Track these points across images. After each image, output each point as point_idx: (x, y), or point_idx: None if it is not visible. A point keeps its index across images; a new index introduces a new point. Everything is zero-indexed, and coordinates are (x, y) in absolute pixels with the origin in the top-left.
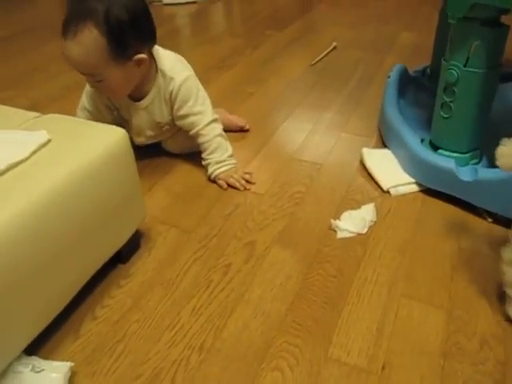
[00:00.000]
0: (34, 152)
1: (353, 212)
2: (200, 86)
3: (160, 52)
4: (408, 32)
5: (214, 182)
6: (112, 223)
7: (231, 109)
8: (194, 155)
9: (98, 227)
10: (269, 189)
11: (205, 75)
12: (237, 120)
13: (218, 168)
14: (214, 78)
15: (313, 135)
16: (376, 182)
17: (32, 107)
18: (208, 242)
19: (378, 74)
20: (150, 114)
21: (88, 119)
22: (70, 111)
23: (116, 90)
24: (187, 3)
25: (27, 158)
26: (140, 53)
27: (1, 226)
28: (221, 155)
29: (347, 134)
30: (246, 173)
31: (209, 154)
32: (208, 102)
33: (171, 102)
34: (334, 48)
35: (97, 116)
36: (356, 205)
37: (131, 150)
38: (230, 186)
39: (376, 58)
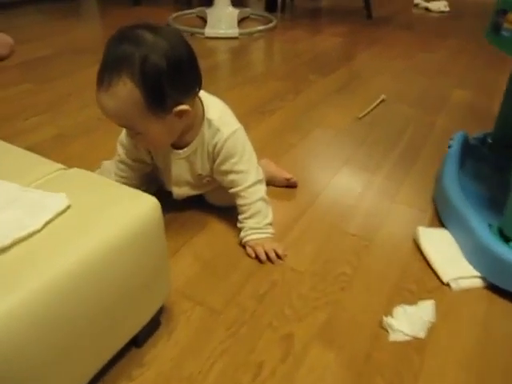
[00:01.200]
0: (49, 222)
1: (408, 308)
2: (247, 141)
3: (206, 98)
4: (461, 90)
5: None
6: (134, 304)
7: (272, 159)
8: (232, 211)
9: (118, 310)
10: (310, 266)
11: (244, 119)
12: (284, 173)
13: (251, 234)
14: (253, 124)
15: (361, 201)
16: (433, 271)
17: (57, 137)
18: (238, 328)
19: (431, 135)
20: (190, 164)
21: (126, 156)
22: (98, 146)
23: (156, 143)
24: (228, 38)
25: (39, 230)
26: (181, 103)
27: (2, 317)
28: (258, 222)
29: (398, 204)
30: (279, 247)
31: (245, 218)
32: (254, 160)
33: (214, 154)
34: (383, 101)
35: (134, 154)
36: (411, 297)
37: (162, 221)
38: (257, 256)
39: (427, 117)
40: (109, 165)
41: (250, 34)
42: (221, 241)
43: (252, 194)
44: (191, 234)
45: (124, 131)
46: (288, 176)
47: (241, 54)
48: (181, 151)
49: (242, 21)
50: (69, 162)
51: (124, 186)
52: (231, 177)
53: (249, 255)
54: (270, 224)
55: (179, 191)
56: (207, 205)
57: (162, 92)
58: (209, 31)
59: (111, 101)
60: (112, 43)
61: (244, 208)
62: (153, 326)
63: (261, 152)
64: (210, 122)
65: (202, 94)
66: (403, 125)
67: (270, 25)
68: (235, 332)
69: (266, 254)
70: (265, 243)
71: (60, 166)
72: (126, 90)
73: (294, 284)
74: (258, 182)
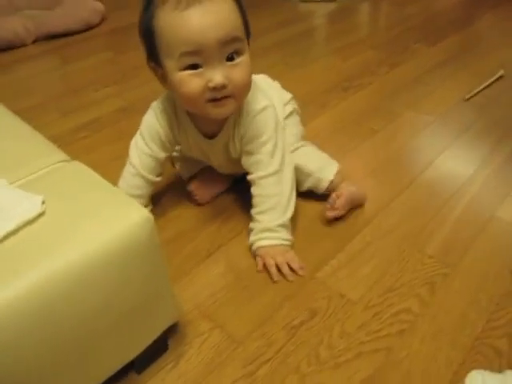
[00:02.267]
0: (10, 233)
1: (489, 377)
2: (279, 121)
3: None
4: None
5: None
6: (124, 328)
7: (345, 148)
8: None
9: (101, 336)
10: (365, 294)
11: (322, 97)
12: (360, 193)
13: (261, 239)
14: (332, 103)
15: (451, 210)
16: None
17: (121, 110)
18: (257, 367)
19: None
20: (227, 152)
21: (142, 151)
22: None
23: (248, 80)
24: (326, 1)
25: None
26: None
27: None
28: (271, 220)
29: (502, 219)
30: (294, 259)
31: (257, 214)
32: (285, 145)
33: (242, 133)
34: (501, 77)
35: (155, 157)
36: (496, 359)
37: (156, 238)
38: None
39: None
40: None
41: None
42: None
43: (272, 185)
44: (230, 235)
45: (139, 134)
46: (362, 198)
47: (336, 19)
48: (215, 140)
49: None
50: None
51: (117, 192)
52: (255, 158)
53: (258, 267)
54: (286, 226)
55: (225, 171)
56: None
57: (247, 24)
58: None
59: (220, 8)
60: None
61: (258, 200)
62: (158, 350)
63: (334, 137)
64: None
65: None
66: None
67: None
68: (253, 372)
69: (278, 268)
70: (278, 254)
71: (62, 157)
72: (229, 9)
73: (339, 316)
74: (282, 172)
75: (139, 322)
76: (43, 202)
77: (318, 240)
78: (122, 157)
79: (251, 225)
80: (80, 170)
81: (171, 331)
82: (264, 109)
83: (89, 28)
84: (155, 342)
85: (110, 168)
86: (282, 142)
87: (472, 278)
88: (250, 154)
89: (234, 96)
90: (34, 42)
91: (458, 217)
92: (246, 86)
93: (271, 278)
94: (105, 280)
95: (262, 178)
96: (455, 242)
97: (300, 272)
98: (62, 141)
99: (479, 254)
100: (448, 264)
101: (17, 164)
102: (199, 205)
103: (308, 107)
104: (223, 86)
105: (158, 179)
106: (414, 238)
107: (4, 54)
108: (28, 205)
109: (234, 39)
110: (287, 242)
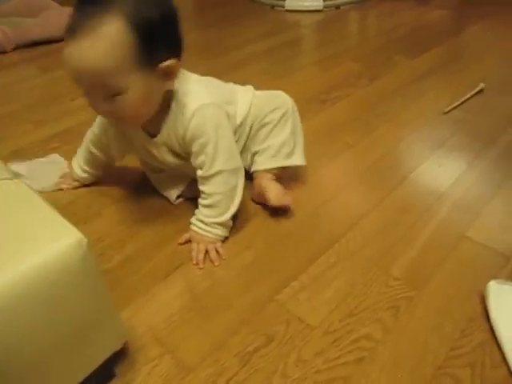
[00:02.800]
0: None
1: None
2: (224, 120)
3: (185, 73)
4: None
5: None
6: (57, 360)
7: (317, 163)
8: (243, 233)
9: (33, 366)
10: (326, 319)
11: (300, 108)
12: (279, 197)
13: (196, 227)
14: (309, 115)
15: (420, 229)
16: (503, 353)
17: None
18: None
19: None
20: (170, 148)
21: (94, 143)
22: None
23: (135, 110)
24: (312, 11)
25: None
26: (169, 59)
27: None
28: (208, 216)
29: (473, 241)
30: (221, 246)
31: (199, 204)
32: (230, 144)
33: (183, 134)
34: (481, 91)
35: (102, 141)
36: None
37: (91, 262)
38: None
39: None
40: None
41: (338, 6)
42: (223, 268)
43: (215, 185)
44: (190, 254)
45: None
46: (280, 203)
47: (321, 29)
48: (156, 138)
49: None
50: None
51: (52, 214)
52: (200, 159)
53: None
54: (223, 224)
55: (172, 169)
56: None
57: (155, 40)
58: (290, 3)
59: (94, 45)
60: None
61: (203, 195)
62: (104, 377)
63: (306, 151)
64: (176, 96)
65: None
66: (502, 124)
67: None
68: None
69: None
70: (208, 242)
71: (4, 174)
72: (115, 32)
73: (297, 342)
74: (228, 172)
75: (78, 349)
76: None
77: (279, 260)
78: None
79: (196, 210)
80: (18, 189)
81: (120, 357)
82: (204, 106)
83: None
84: (101, 368)
85: None
86: (228, 142)
87: (437, 301)
88: (195, 154)
89: (125, 119)
90: (14, 49)
91: (427, 236)
92: (132, 115)
93: (194, 262)
94: (31, 306)
95: (204, 177)
96: (423, 263)
97: (221, 256)
98: (30, 152)
99: (447, 276)
100: (414, 287)
101: None
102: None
103: None
104: (109, 116)
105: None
106: (380, 258)
107: None
108: None
109: (105, 86)
110: (219, 238)
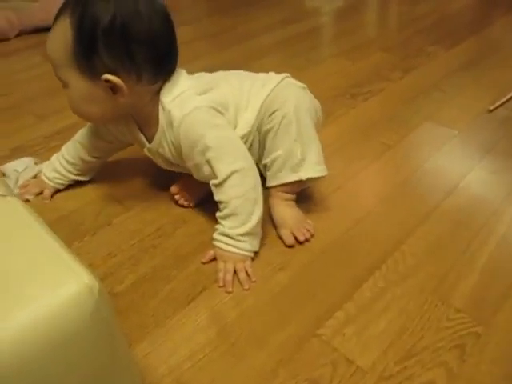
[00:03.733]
0: None
1: None
2: (217, 119)
3: (180, 77)
4: None
5: None
6: None
7: (353, 167)
8: (273, 252)
9: None
10: (379, 360)
11: (328, 104)
12: (290, 236)
13: (221, 243)
14: (339, 112)
15: (479, 250)
16: None
17: None
18: None
19: None
20: (164, 157)
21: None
22: None
23: (76, 105)
24: None
25: None
26: (115, 75)
27: None
28: (231, 228)
29: None
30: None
31: (220, 218)
32: (232, 142)
33: (177, 145)
34: None
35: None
36: None
37: (103, 311)
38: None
39: None
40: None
41: None
42: (253, 294)
43: (230, 189)
44: (215, 276)
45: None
46: (300, 239)
47: (344, 17)
48: (150, 145)
49: None
50: None
51: (55, 248)
52: (206, 169)
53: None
54: (249, 234)
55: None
56: None
57: (93, 46)
58: None
59: (50, 35)
60: None
61: (220, 206)
62: None
63: (340, 153)
64: (163, 104)
65: (179, 72)
66: None
67: None
68: None
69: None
70: (237, 261)
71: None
72: (62, 27)
73: None
74: (239, 172)
75: None
76: None
77: (318, 284)
78: None
79: (216, 225)
80: (13, 211)
81: None
82: (191, 111)
83: None
84: None
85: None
86: (229, 140)
87: (510, 339)
88: (199, 166)
89: (75, 113)
90: (18, 35)
91: (487, 257)
92: (78, 112)
93: (220, 284)
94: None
95: (216, 185)
96: (486, 290)
97: (251, 279)
98: (32, 149)
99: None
100: (480, 321)
101: None
102: (184, 207)
103: None
104: None
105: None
106: (437, 285)
107: None
108: None
109: (55, 71)
110: (249, 254)
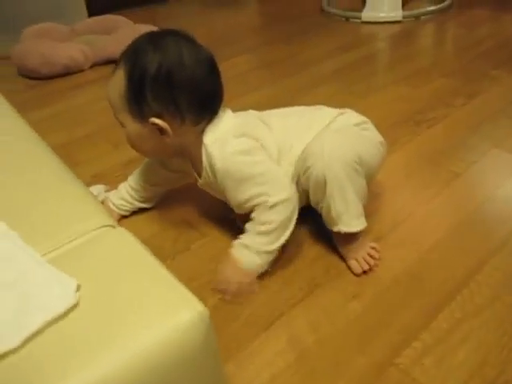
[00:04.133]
0: (37, 333)
1: None
2: (257, 156)
3: (223, 118)
4: None
5: None
6: None
7: (422, 196)
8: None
9: None
10: None
11: (391, 132)
12: (357, 266)
13: (240, 251)
14: (403, 139)
15: None
16: None
17: None
18: None
19: None
20: (218, 191)
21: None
22: None
23: (131, 142)
24: (389, 22)
25: (16, 350)
26: (161, 117)
27: None
28: (254, 242)
29: None
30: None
31: (245, 232)
32: (271, 174)
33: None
34: None
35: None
36: None
37: (212, 340)
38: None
39: None
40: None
41: (417, 16)
42: (329, 321)
43: (270, 215)
44: (292, 301)
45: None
46: (364, 268)
47: (401, 42)
48: (200, 179)
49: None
50: None
51: (164, 276)
52: (250, 204)
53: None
54: (272, 253)
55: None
56: (326, 257)
57: (141, 93)
58: (367, 15)
59: (109, 83)
60: (138, 39)
61: (252, 221)
62: None
63: (407, 182)
64: (205, 146)
65: (225, 111)
66: None
67: (444, 4)
68: None
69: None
70: (243, 275)
71: (106, 220)
72: (118, 75)
73: None
74: (283, 202)
75: None
76: (77, 289)
77: (392, 313)
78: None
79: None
80: (124, 241)
81: None
82: (228, 156)
83: None
84: None
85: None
86: (270, 173)
87: None
88: (242, 205)
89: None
90: (92, 67)
91: None
92: (134, 148)
93: (217, 289)
94: None
95: (261, 212)
96: None
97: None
98: (111, 176)
99: None
100: None
101: (53, 227)
102: None
103: None
104: None
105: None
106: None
107: (62, 79)
108: (60, 292)
109: (115, 113)
110: (255, 269)
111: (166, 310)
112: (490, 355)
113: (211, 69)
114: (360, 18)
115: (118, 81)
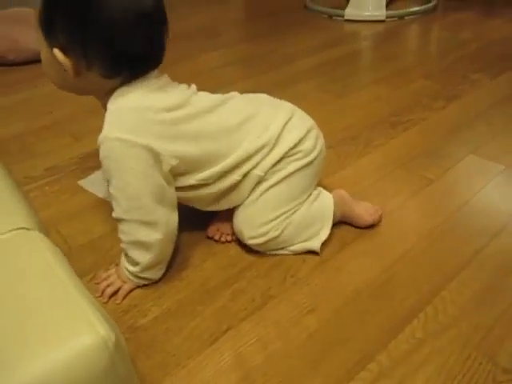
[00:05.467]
0: None
1: None
2: (130, 159)
3: (139, 87)
4: None
5: None
6: None
7: (392, 202)
8: (302, 287)
9: None
10: None
11: (365, 133)
12: (362, 213)
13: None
14: (378, 141)
15: None
16: None
17: None
18: None
19: None
20: None
21: None
22: None
23: (43, 66)
24: (373, 21)
25: None
26: (65, 51)
27: None
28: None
29: None
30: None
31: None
32: (138, 191)
33: None
34: None
35: None
36: None
37: (121, 368)
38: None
39: None
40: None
41: (401, 16)
42: (281, 338)
43: (119, 231)
44: (242, 315)
45: None
46: (368, 221)
47: (384, 42)
48: None
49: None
50: None
51: (72, 292)
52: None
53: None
54: (132, 274)
55: None
56: (284, 263)
57: (52, 19)
58: (350, 13)
59: None
60: None
61: None
62: None
63: (378, 186)
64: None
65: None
66: None
67: (429, 5)
68: None
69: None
70: (122, 277)
71: (22, 222)
72: None
73: None
74: (130, 222)
75: None
76: None
77: (349, 330)
78: None
79: None
80: (35, 248)
81: None
82: (106, 139)
83: None
84: None
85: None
86: (134, 189)
87: None
88: None
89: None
90: None
91: None
92: (43, 71)
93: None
94: None
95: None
96: None
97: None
98: (68, 169)
99: None
100: None
101: None
102: (228, 242)
103: (348, 145)
104: None
105: None
106: (481, 338)
107: (30, 67)
108: None
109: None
110: (130, 278)
111: (61, 334)
112: (453, 381)
113: (147, 23)
114: (343, 16)
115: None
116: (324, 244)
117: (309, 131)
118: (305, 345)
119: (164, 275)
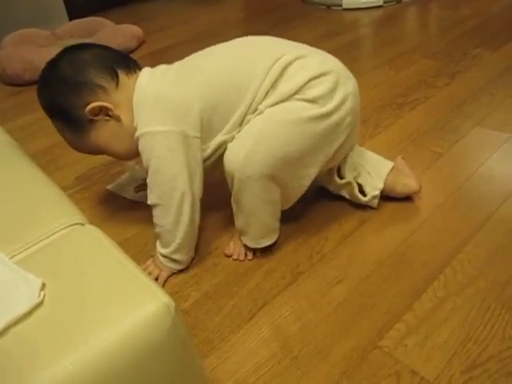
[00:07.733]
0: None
1: None
2: (170, 152)
3: (143, 81)
4: None
5: None
6: None
7: None
8: (329, 264)
9: None
10: (444, 370)
11: (374, 115)
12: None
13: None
14: (386, 122)
15: None
16: None
17: None
18: None
19: None
20: None
21: None
22: None
23: (109, 153)
24: (371, 8)
25: None
26: (88, 103)
27: None
28: (158, 245)
29: None
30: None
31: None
32: (165, 180)
33: None
34: None
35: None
36: None
37: (180, 331)
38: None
39: None
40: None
41: (398, 0)
42: (312, 308)
43: (154, 216)
44: (274, 291)
45: None
46: (414, 189)
47: (384, 26)
48: None
49: None
50: None
51: (131, 270)
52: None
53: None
54: (167, 258)
55: None
56: (308, 244)
57: (62, 108)
58: (348, 1)
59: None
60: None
61: None
62: None
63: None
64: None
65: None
66: None
67: None
68: None
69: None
70: (158, 269)
71: (75, 218)
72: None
73: None
74: (156, 206)
75: None
76: (42, 288)
77: (376, 296)
78: None
79: None
80: (92, 238)
81: None
82: (144, 135)
83: (127, 53)
84: None
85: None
86: (169, 175)
87: None
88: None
89: None
90: None
91: None
92: (112, 155)
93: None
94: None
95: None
96: None
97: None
98: (95, 177)
99: None
100: None
101: (22, 228)
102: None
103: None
104: None
105: None
106: (499, 292)
107: None
108: (24, 291)
109: (79, 150)
110: (170, 269)
111: (130, 304)
112: (474, 332)
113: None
114: (341, 6)
115: (57, 128)
116: (344, 220)
117: (323, 74)
118: (336, 312)
119: (199, 264)
